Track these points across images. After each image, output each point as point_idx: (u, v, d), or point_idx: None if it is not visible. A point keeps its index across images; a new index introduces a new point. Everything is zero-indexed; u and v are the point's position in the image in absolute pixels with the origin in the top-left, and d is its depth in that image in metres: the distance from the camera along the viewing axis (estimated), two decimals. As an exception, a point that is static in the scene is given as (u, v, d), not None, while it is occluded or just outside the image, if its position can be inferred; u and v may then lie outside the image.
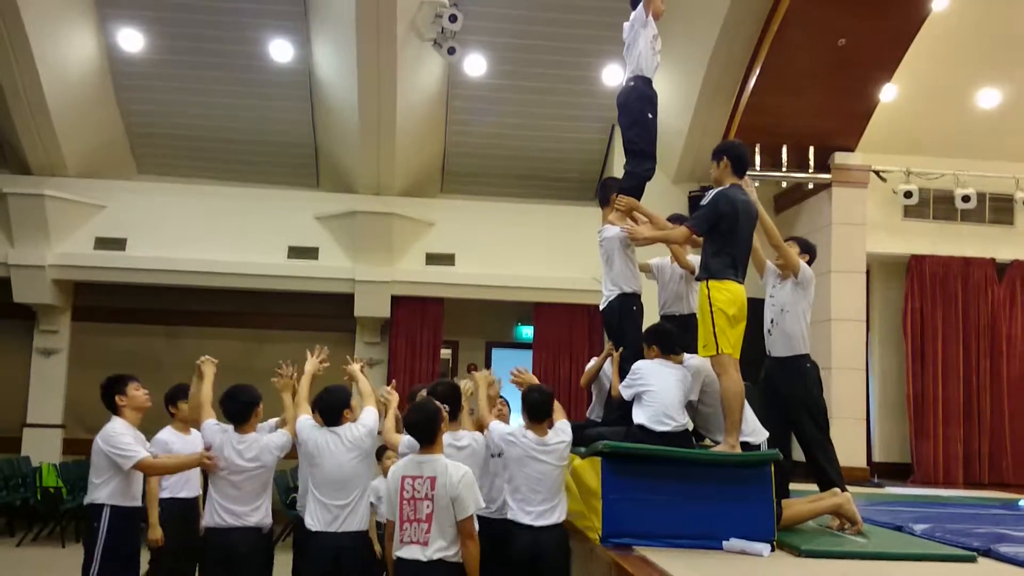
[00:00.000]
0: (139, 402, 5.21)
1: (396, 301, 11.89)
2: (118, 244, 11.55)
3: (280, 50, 10.96)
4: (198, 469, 5.41)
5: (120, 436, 4.98)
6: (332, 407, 4.90)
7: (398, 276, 11.79)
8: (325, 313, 12.30)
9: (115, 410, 5.14)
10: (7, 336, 12.11)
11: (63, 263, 11.45)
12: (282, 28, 10.85)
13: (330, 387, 5.05)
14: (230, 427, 4.94)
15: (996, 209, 11.24)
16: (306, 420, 4.98)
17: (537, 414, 4.97)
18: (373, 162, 11.45)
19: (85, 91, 11.21)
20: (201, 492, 5.88)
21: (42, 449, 11.09)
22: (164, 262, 11.43)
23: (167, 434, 5.83)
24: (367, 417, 4.95)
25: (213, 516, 4.87)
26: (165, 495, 5.78)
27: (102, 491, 4.97)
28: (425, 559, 4.10)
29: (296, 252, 11.78)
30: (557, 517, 4.85)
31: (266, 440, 4.95)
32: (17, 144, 11.27)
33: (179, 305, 12.24)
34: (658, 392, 5.05)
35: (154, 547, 5.65)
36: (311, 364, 5.31)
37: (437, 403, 4.42)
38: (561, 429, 5.04)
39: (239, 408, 4.93)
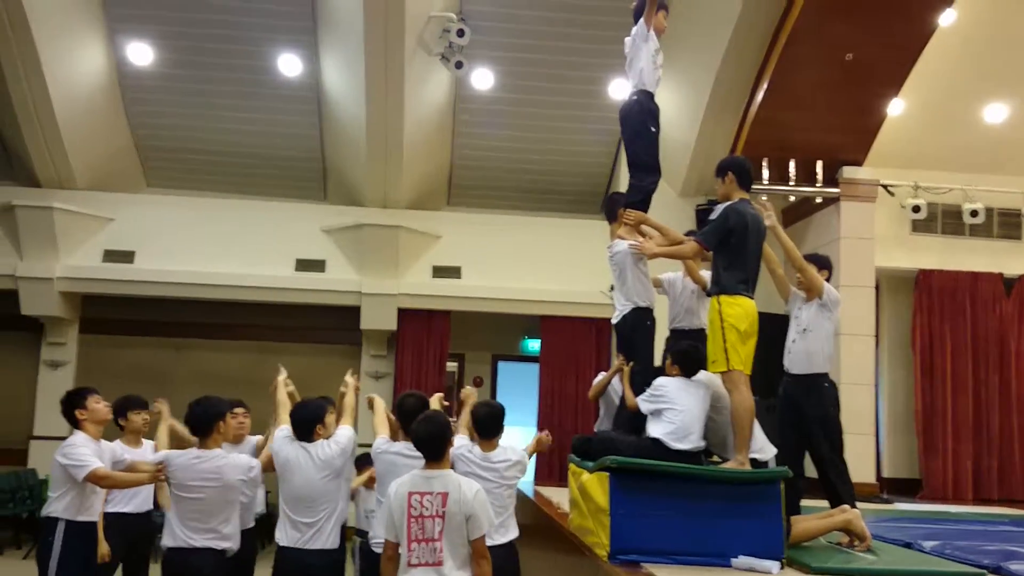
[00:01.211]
0: (100, 415, 5.14)
1: (403, 314, 11.90)
2: (126, 257, 11.59)
3: (289, 64, 11.01)
4: (151, 485, 5.27)
5: (76, 448, 4.92)
6: (304, 421, 4.72)
7: (404, 289, 11.81)
8: (332, 326, 12.33)
9: (76, 424, 5.07)
10: (14, 348, 12.13)
11: (71, 275, 11.49)
12: (291, 42, 10.91)
13: (305, 400, 4.93)
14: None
15: (1004, 224, 11.20)
16: (281, 431, 4.81)
17: (484, 430, 4.91)
18: (380, 175, 11.48)
19: (94, 104, 11.26)
20: (153, 508, 5.72)
21: (48, 462, 11.01)
22: (172, 275, 11.47)
23: (116, 447, 5.46)
24: (342, 435, 4.77)
25: (173, 536, 4.61)
26: (109, 509, 5.49)
27: (58, 505, 4.92)
28: None
29: (303, 265, 11.82)
30: (502, 537, 4.74)
31: (229, 457, 4.70)
32: (26, 157, 11.32)
33: (187, 317, 12.25)
34: (680, 411, 5.02)
35: (101, 562, 5.34)
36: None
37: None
38: (511, 449, 4.98)
39: (202, 420, 4.69)
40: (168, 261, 11.54)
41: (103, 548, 5.35)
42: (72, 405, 5.10)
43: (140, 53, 10.98)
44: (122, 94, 11.48)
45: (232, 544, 4.73)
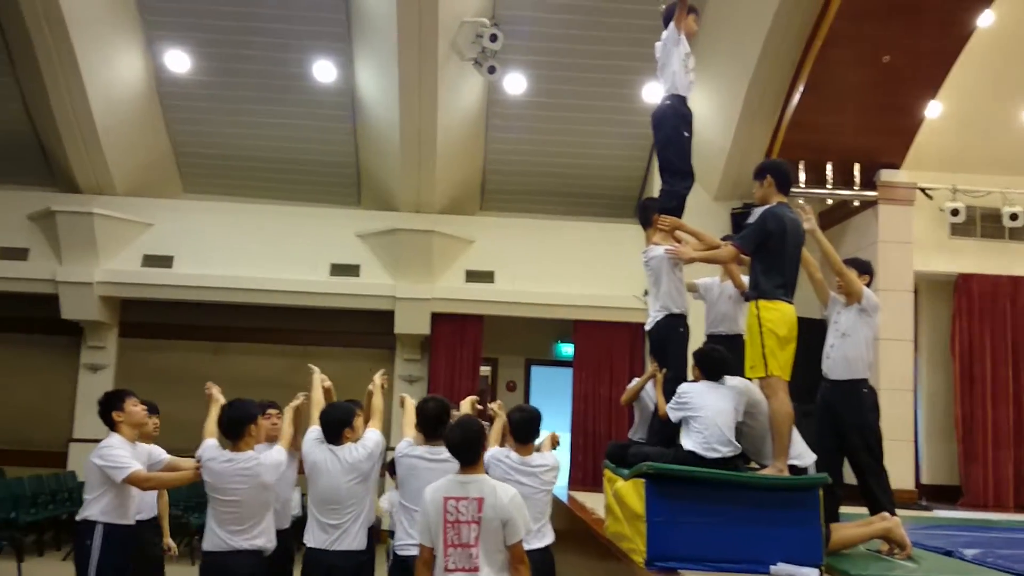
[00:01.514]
0: (136, 418, 5.14)
1: (436, 318, 11.95)
2: (165, 261, 11.74)
3: (324, 71, 11.10)
4: (154, 493, 5.23)
5: (114, 450, 4.92)
6: (333, 424, 4.75)
7: (438, 293, 11.85)
8: (366, 330, 12.40)
9: (112, 426, 5.07)
10: (55, 352, 12.34)
11: (111, 280, 11.66)
12: (326, 49, 11.00)
13: (335, 403, 4.96)
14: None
15: (1045, 227, 11.02)
16: (311, 433, 4.84)
17: (520, 434, 4.93)
18: (414, 180, 11.54)
19: (133, 112, 11.43)
20: (157, 514, 5.65)
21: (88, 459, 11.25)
22: (209, 279, 11.61)
23: (152, 449, 5.36)
24: (369, 439, 4.79)
25: (210, 539, 4.63)
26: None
27: (94, 507, 4.91)
28: None
29: (338, 269, 11.91)
30: (538, 542, 4.76)
31: (261, 458, 4.68)
32: (66, 163, 11.52)
33: (224, 321, 12.40)
34: (707, 417, 4.96)
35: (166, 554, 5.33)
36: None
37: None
38: (546, 453, 5.02)
39: (233, 423, 4.70)
40: (205, 266, 11.68)
41: (168, 540, 5.45)
42: (109, 407, 5.10)
43: (178, 61, 11.13)
44: (160, 101, 11.64)
45: (268, 544, 4.75)
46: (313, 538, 4.68)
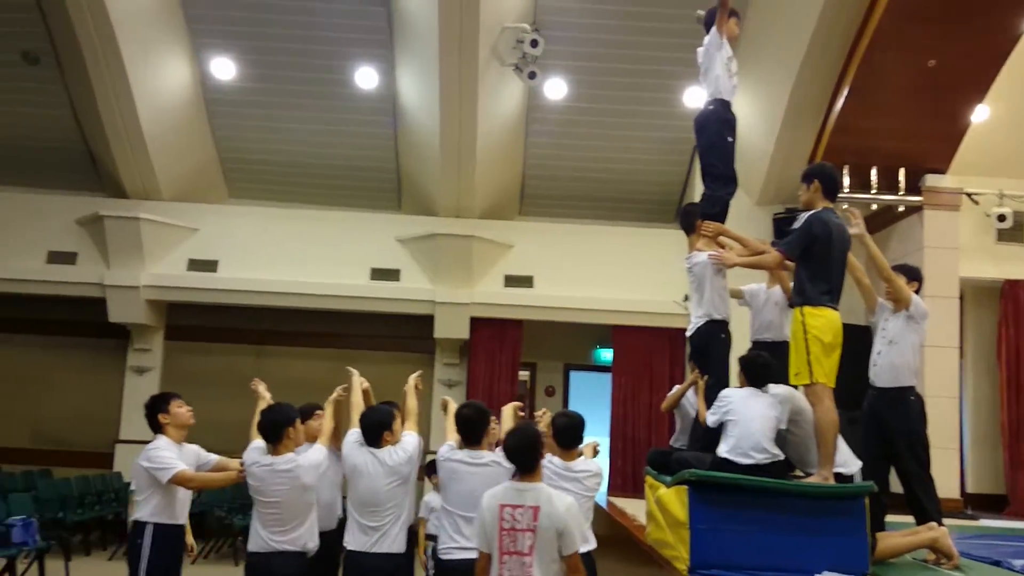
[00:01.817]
0: (182, 419, 5.21)
1: (475, 323, 11.99)
2: (210, 266, 11.92)
3: (366, 77, 11.20)
4: (188, 495, 5.25)
5: (160, 451, 5.01)
6: (373, 426, 4.80)
7: (477, 298, 11.90)
8: (406, 334, 12.47)
9: (159, 429, 5.15)
10: (102, 355, 12.56)
11: (157, 284, 11.85)
12: (368, 56, 11.10)
13: (375, 406, 5.01)
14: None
15: (1093, 232, 10.80)
16: (351, 436, 4.88)
17: (564, 440, 4.93)
18: (454, 185, 11.61)
19: (179, 118, 11.62)
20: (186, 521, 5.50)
21: (135, 462, 11.42)
22: (253, 283, 11.77)
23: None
24: (409, 443, 4.83)
25: (256, 539, 4.74)
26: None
27: (145, 509, 5.00)
28: None
29: (378, 274, 12.00)
30: (582, 547, 4.73)
31: (300, 460, 4.76)
32: (114, 169, 11.73)
33: (266, 325, 12.56)
34: (742, 423, 4.93)
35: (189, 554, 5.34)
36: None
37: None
38: (592, 461, 5.06)
39: (272, 427, 4.78)
40: (249, 270, 11.84)
41: (190, 539, 5.47)
42: (155, 410, 5.19)
43: (223, 68, 11.29)
44: (206, 108, 11.82)
45: (311, 544, 4.82)
46: (353, 540, 4.72)
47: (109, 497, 11.12)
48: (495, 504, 3.90)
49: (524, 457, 3.97)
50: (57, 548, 8.90)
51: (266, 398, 5.46)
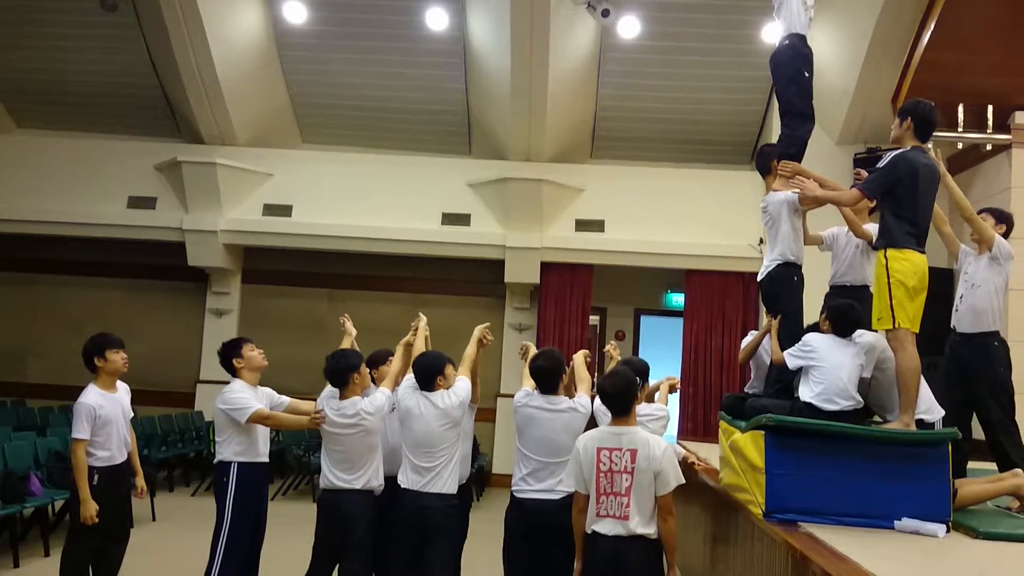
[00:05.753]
0: (255, 363, 5.36)
1: (545, 267, 11.98)
2: (284, 211, 12.09)
3: (436, 18, 11.09)
4: (266, 434, 5.36)
5: (235, 393, 5.17)
6: (427, 371, 4.91)
7: (548, 242, 11.86)
8: (477, 278, 12.53)
9: (234, 372, 5.31)
10: (183, 297, 12.92)
11: (234, 228, 12.09)
12: (438, -3, 10.97)
13: (427, 352, 5.10)
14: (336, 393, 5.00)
15: None
16: (406, 381, 5.02)
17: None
18: (524, 129, 11.50)
19: (253, 64, 11.70)
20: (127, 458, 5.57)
21: (213, 404, 11.78)
22: (326, 228, 11.93)
23: (93, 396, 5.31)
24: (461, 388, 4.94)
25: (325, 478, 4.98)
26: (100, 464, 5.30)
27: (227, 449, 5.18)
28: (627, 534, 4.07)
29: (449, 219, 12.03)
30: None
31: (363, 403, 4.94)
32: (191, 116, 11.91)
33: (340, 269, 12.74)
34: (828, 369, 4.82)
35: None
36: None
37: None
38: (656, 405, 5.16)
39: (336, 373, 4.98)
40: (323, 215, 11.98)
41: (140, 480, 5.67)
42: (229, 355, 5.34)
43: (295, 12, 11.29)
44: (279, 53, 11.87)
45: (375, 484, 5.01)
46: (407, 479, 4.85)
47: (191, 436, 11.52)
48: (592, 447, 4.15)
49: (620, 400, 4.16)
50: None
51: (352, 334, 5.67)
